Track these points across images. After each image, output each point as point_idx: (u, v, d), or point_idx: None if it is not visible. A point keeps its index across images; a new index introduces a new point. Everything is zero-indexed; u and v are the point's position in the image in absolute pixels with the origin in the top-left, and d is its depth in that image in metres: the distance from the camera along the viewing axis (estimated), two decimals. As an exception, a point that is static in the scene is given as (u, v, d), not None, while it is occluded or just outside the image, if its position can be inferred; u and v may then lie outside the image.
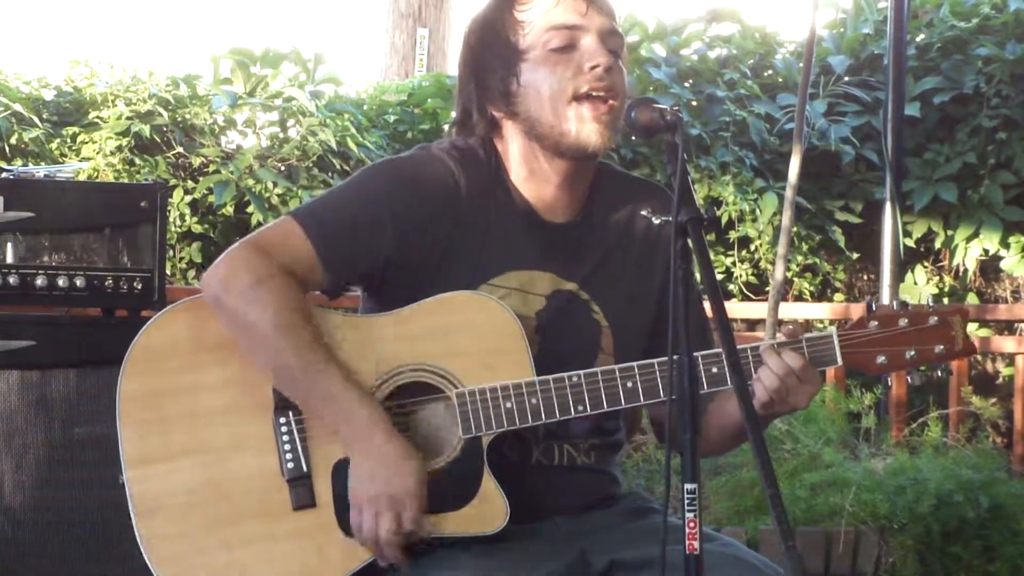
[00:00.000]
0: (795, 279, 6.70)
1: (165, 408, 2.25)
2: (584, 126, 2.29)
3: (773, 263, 5.85)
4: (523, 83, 2.32)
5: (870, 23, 7.04)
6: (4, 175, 3.39)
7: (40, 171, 3.63)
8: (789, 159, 5.52)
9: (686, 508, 1.93)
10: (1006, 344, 6.10)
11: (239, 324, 2.24)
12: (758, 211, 6.48)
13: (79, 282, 3.31)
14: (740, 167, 6.54)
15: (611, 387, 2.26)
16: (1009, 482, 4.74)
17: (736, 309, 6.17)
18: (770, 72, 7.16)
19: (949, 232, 6.64)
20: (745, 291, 6.59)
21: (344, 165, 6.41)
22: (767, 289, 6.07)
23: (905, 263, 6.52)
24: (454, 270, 2.31)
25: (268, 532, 2.22)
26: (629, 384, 2.26)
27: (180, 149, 6.27)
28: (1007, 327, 6.55)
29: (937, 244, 6.70)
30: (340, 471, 2.23)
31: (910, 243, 6.59)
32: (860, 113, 6.72)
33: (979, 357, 6.60)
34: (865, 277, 6.94)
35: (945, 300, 6.61)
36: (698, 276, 2.08)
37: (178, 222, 6.11)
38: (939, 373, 2.32)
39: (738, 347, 2.20)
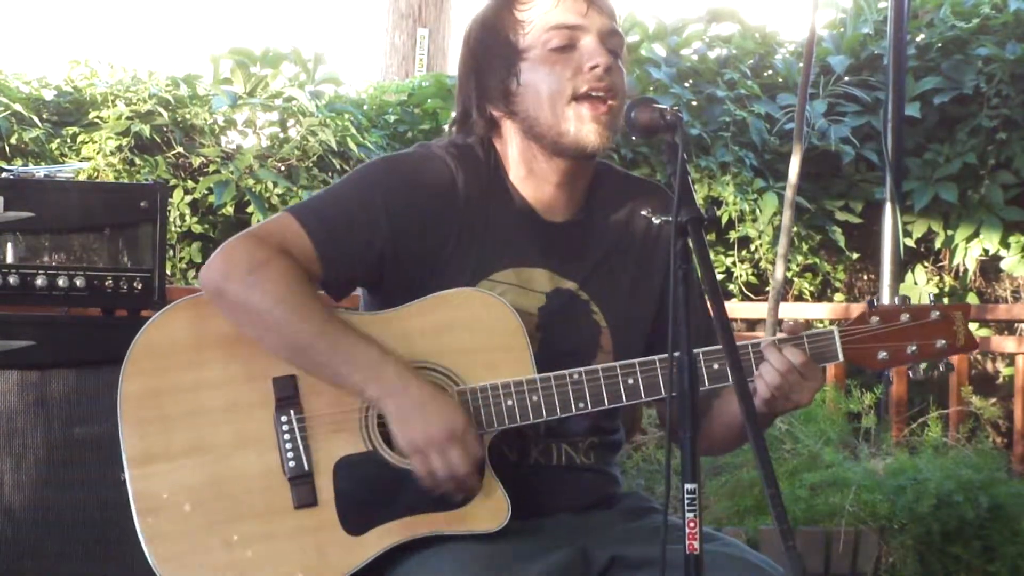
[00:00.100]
0: (795, 279, 6.71)
1: (166, 407, 2.25)
2: (583, 126, 2.29)
3: (773, 263, 5.85)
4: (523, 83, 2.32)
5: (870, 23, 7.04)
6: (4, 175, 3.39)
7: (40, 171, 3.63)
8: (789, 159, 5.52)
9: (686, 508, 1.93)
10: (1006, 344, 6.11)
11: (245, 310, 2.24)
12: (758, 211, 6.48)
13: (79, 282, 3.31)
14: (740, 167, 6.54)
15: (612, 384, 2.26)
16: (1009, 482, 4.74)
17: (736, 309, 6.18)
18: (770, 72, 7.16)
19: (949, 232, 6.64)
20: (745, 291, 6.60)
21: (344, 165, 6.41)
22: (767, 289, 6.07)
23: (905, 263, 6.52)
24: (452, 267, 2.30)
25: (269, 531, 2.22)
26: (630, 381, 2.26)
27: (180, 149, 6.27)
28: (1007, 327, 6.55)
29: (937, 244, 6.70)
30: (342, 469, 2.23)
31: (910, 243, 6.60)
32: (860, 113, 6.72)
33: (979, 357, 6.61)
34: (865, 277, 6.95)
35: (945, 300, 6.58)
36: (699, 276, 2.08)
37: (178, 222, 6.11)
38: (941, 368, 2.32)
39: (739, 343, 2.21)
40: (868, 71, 6.93)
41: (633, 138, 5.79)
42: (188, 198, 6.17)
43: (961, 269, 6.77)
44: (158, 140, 6.22)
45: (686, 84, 6.91)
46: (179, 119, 6.32)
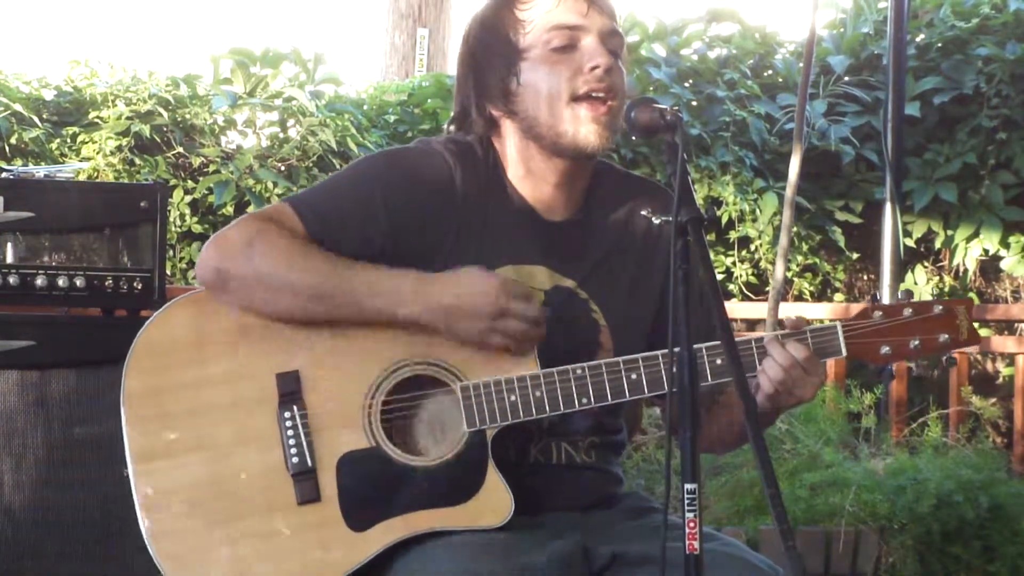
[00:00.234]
0: (795, 279, 6.71)
1: (168, 404, 2.26)
2: (582, 127, 2.29)
3: (773, 263, 5.85)
4: (522, 82, 2.32)
5: (870, 23, 7.04)
6: (4, 175, 3.39)
7: (40, 171, 3.63)
8: (789, 159, 5.52)
9: (686, 508, 1.93)
10: (1006, 344, 6.10)
11: (252, 281, 2.24)
12: (758, 211, 6.48)
13: (79, 282, 3.31)
14: (740, 167, 6.54)
15: (615, 379, 2.26)
16: (1009, 482, 4.74)
17: (736, 309, 6.18)
18: (770, 72, 7.16)
19: (949, 232, 6.64)
20: (745, 291, 6.60)
21: (344, 165, 6.39)
22: (767, 289, 6.07)
23: (905, 263, 6.52)
24: (451, 264, 2.30)
25: (272, 527, 2.22)
26: (633, 376, 2.26)
27: (180, 149, 6.27)
28: (1007, 327, 6.55)
29: (937, 244, 6.70)
30: (345, 465, 2.24)
31: (910, 243, 6.59)
32: (860, 113, 6.71)
33: (979, 357, 6.61)
34: (865, 277, 6.94)
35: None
36: (700, 276, 2.08)
37: (178, 222, 6.11)
38: (944, 363, 2.32)
39: (742, 339, 2.21)
40: (868, 71, 6.93)
41: (633, 138, 5.79)
42: (188, 198, 6.16)
43: (961, 269, 6.77)
44: (158, 140, 6.22)
45: (686, 84, 6.91)
46: (179, 119, 6.32)
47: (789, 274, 6.55)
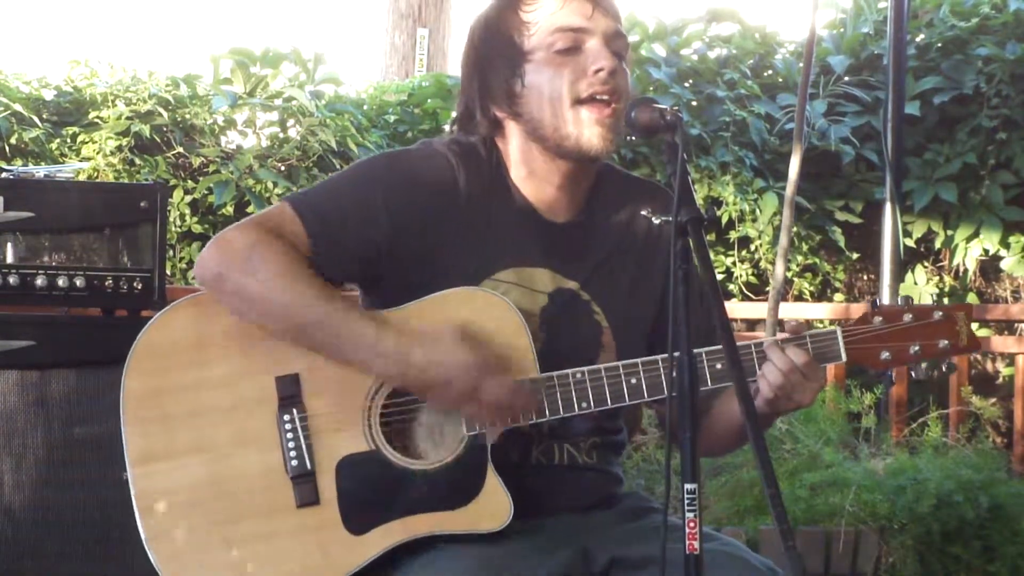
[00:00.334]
0: (795, 279, 6.70)
1: (168, 406, 2.26)
2: (586, 129, 2.29)
3: (773, 263, 5.85)
4: (527, 84, 2.32)
5: (870, 23, 7.04)
6: (4, 175, 3.39)
7: (40, 171, 3.63)
8: (789, 159, 5.51)
9: (686, 508, 1.93)
10: (1006, 344, 6.10)
11: (245, 296, 2.23)
12: (758, 211, 6.48)
13: (79, 282, 3.31)
14: (740, 167, 6.54)
15: (615, 384, 2.26)
16: (1009, 482, 4.74)
17: (736, 309, 6.17)
18: (770, 72, 7.16)
19: (949, 232, 6.64)
20: (745, 291, 6.59)
21: (344, 165, 6.40)
22: (767, 289, 6.07)
23: (905, 263, 6.52)
24: (453, 266, 2.30)
25: (271, 529, 2.22)
26: (633, 380, 2.26)
27: (180, 149, 6.27)
28: (1007, 327, 6.55)
29: (937, 244, 6.70)
30: (344, 468, 2.24)
31: (910, 243, 6.59)
32: (860, 113, 6.71)
33: (979, 357, 6.61)
34: (865, 277, 6.94)
35: (945, 300, 6.62)
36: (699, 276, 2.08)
37: (178, 222, 6.11)
38: (943, 368, 2.32)
39: (742, 343, 2.21)
40: (868, 71, 6.93)
41: (633, 138, 5.79)
42: (188, 198, 6.16)
43: (961, 269, 6.77)
44: (158, 140, 6.22)
45: (686, 84, 6.91)
46: (179, 119, 6.32)
47: (789, 274, 6.55)
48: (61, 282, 3.30)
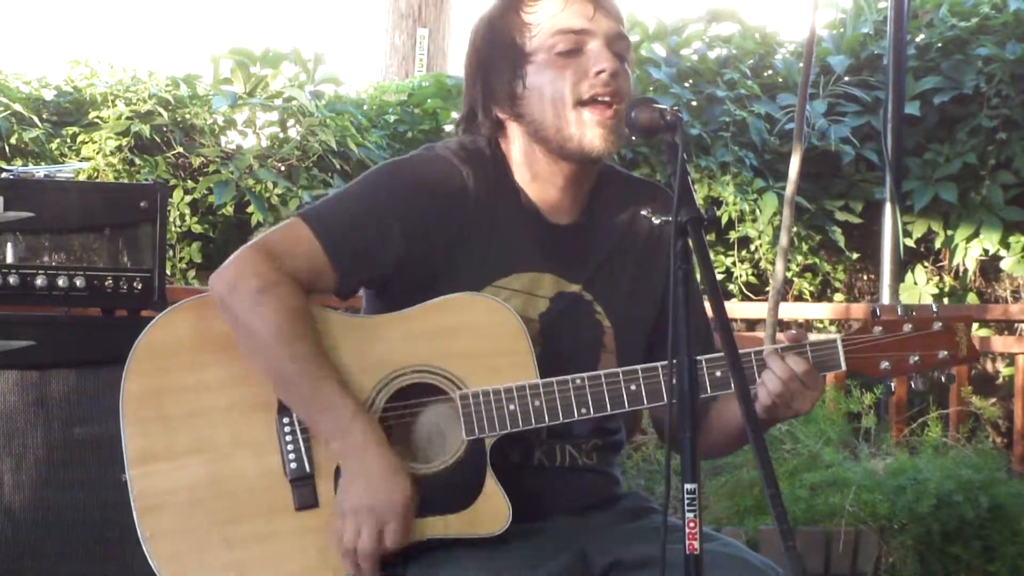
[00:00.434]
0: (795, 279, 6.71)
1: (168, 407, 2.26)
2: (588, 131, 2.29)
3: (773, 263, 5.85)
4: (528, 86, 2.32)
5: (870, 23, 7.04)
6: (4, 175, 3.39)
7: (40, 171, 3.63)
8: (789, 159, 5.51)
9: (686, 508, 1.92)
10: (1006, 344, 6.10)
11: (242, 328, 2.24)
12: (758, 211, 6.48)
13: (79, 282, 3.31)
14: (740, 167, 6.54)
15: (614, 390, 2.26)
16: (1009, 482, 4.74)
17: (736, 309, 6.17)
18: (770, 72, 7.16)
19: (949, 232, 6.64)
20: (745, 291, 6.60)
21: (344, 165, 6.41)
22: (767, 289, 6.07)
23: (905, 263, 6.52)
24: (460, 271, 2.30)
25: (270, 532, 2.22)
26: (632, 387, 2.26)
27: (180, 149, 6.27)
28: (1007, 327, 6.55)
29: (937, 244, 6.70)
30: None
31: (910, 243, 6.59)
32: (860, 113, 6.71)
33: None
34: (865, 277, 6.94)
35: (945, 300, 6.62)
36: (699, 276, 2.08)
37: (178, 222, 6.11)
38: (942, 379, 2.32)
39: (742, 351, 2.21)
40: (868, 71, 6.93)
41: (633, 138, 5.79)
42: (188, 198, 6.17)
43: (961, 269, 6.77)
44: (158, 140, 6.22)
45: (686, 84, 6.91)
46: (179, 119, 6.32)
47: (789, 274, 6.55)
48: (61, 282, 3.30)
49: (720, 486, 4.66)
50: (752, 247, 6.57)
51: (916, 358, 2.30)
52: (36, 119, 6.12)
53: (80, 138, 6.13)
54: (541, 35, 2.31)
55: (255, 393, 2.26)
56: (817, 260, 6.73)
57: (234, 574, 2.21)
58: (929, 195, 6.50)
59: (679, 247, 2.01)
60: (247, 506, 2.23)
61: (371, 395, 2.25)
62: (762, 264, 6.59)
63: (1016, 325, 6.53)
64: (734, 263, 6.58)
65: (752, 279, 6.60)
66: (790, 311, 6.17)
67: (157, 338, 2.28)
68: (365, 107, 6.99)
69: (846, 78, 6.85)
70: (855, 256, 6.78)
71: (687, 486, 1.93)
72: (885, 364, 2.30)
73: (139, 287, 3.34)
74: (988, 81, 6.60)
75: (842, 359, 2.29)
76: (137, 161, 6.12)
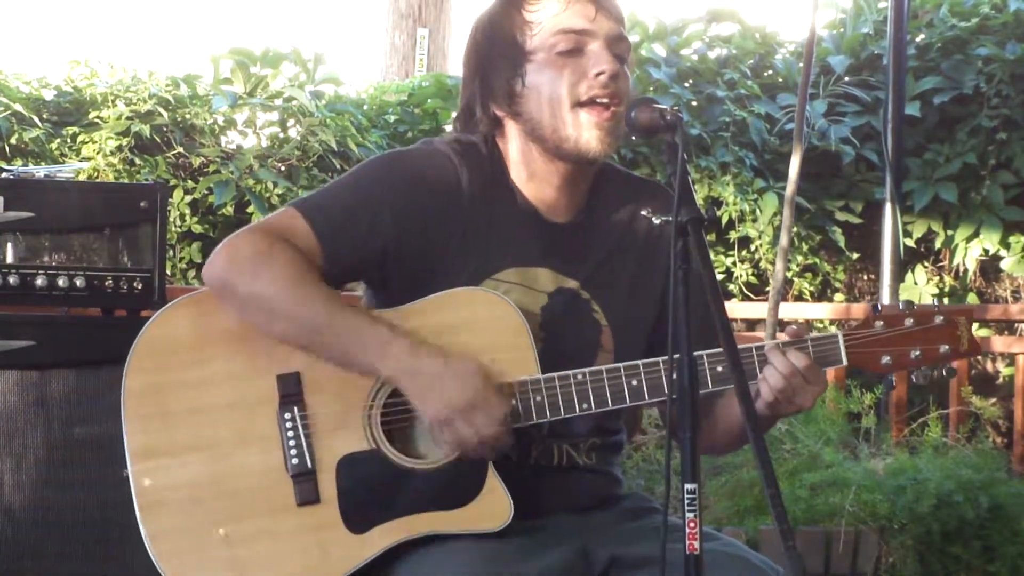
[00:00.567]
0: (795, 279, 6.71)
1: (169, 403, 2.26)
2: (585, 132, 2.29)
3: (773, 263, 5.85)
4: (527, 84, 2.32)
5: (870, 23, 7.04)
6: (4, 175, 3.38)
7: (40, 171, 3.62)
8: (789, 159, 5.52)
9: (686, 508, 1.93)
10: (1007, 344, 6.11)
11: (252, 300, 2.24)
12: (758, 211, 6.48)
13: (79, 282, 3.31)
14: (740, 167, 6.54)
15: (616, 385, 2.26)
16: (1009, 482, 4.74)
17: (736, 309, 6.18)
18: (770, 72, 7.16)
19: (949, 232, 6.64)
20: (745, 291, 6.60)
21: (344, 165, 6.41)
22: (767, 289, 6.07)
23: (905, 263, 6.52)
24: (455, 265, 2.31)
25: (271, 527, 2.22)
26: (634, 382, 2.26)
27: (180, 149, 6.27)
28: (1007, 327, 6.55)
29: (937, 244, 6.70)
30: (344, 467, 2.24)
31: (910, 243, 6.59)
32: (860, 113, 6.72)
33: (979, 357, 6.61)
34: (865, 277, 6.95)
35: (945, 300, 6.62)
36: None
37: (178, 222, 6.11)
38: (943, 373, 2.32)
39: (743, 347, 2.21)
40: (868, 71, 6.93)
41: (633, 138, 5.79)
42: (188, 198, 6.16)
43: (961, 269, 6.77)
44: (158, 140, 6.22)
45: (686, 84, 6.91)
46: (179, 119, 6.32)
47: (789, 274, 6.55)
48: (61, 282, 3.29)
49: (720, 486, 4.66)
50: (752, 247, 6.57)
51: (917, 352, 2.30)
52: (36, 119, 6.12)
53: (80, 138, 6.12)
54: (542, 34, 2.32)
55: (256, 388, 2.26)
56: (817, 260, 6.73)
57: (235, 571, 2.21)
58: (929, 195, 6.50)
59: (679, 247, 2.01)
60: (248, 503, 2.23)
61: (372, 391, 2.25)
62: (762, 264, 6.59)
63: (1016, 325, 6.53)
64: (734, 263, 6.58)
65: (752, 279, 6.61)
66: (790, 311, 6.17)
67: (157, 334, 2.28)
68: (365, 107, 6.99)
69: (846, 78, 6.86)
70: (855, 256, 6.78)
71: (687, 486, 1.93)
72: (886, 359, 2.30)
73: (139, 287, 3.34)
74: (988, 81, 6.61)
75: (843, 354, 2.29)
76: (137, 161, 6.12)
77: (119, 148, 6.08)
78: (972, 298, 6.71)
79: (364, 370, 2.23)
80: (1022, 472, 5.43)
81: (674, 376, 1.98)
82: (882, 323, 2.30)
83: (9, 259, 3.29)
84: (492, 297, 2.27)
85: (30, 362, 3.24)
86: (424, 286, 2.28)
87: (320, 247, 2.28)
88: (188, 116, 6.33)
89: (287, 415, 2.25)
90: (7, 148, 5.98)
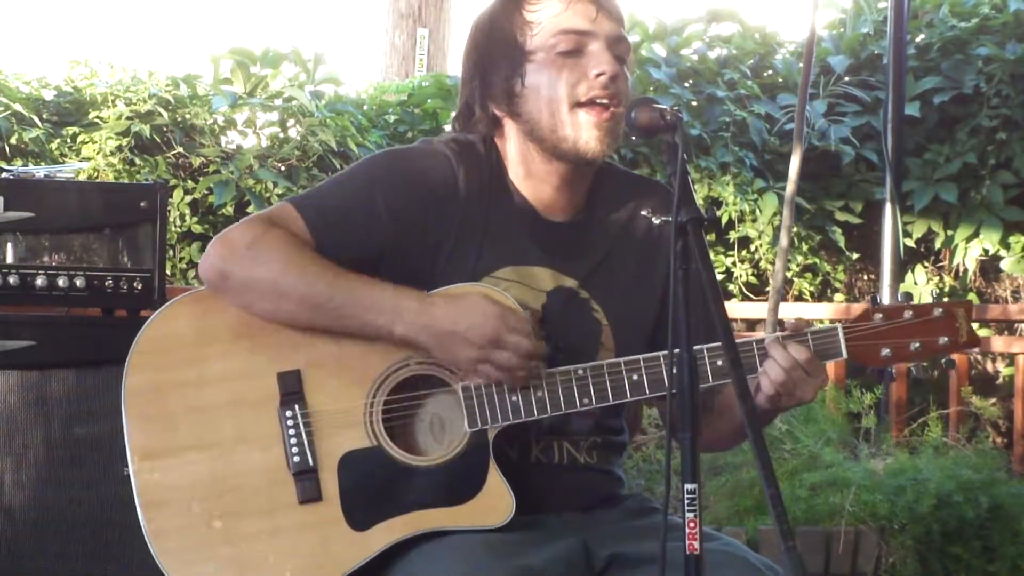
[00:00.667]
0: (795, 279, 6.71)
1: (170, 402, 2.26)
2: (583, 132, 2.29)
3: (773, 263, 5.85)
4: (527, 84, 2.32)
5: (870, 23, 7.04)
6: (4, 175, 3.39)
7: (40, 171, 3.63)
8: (789, 159, 5.52)
9: (686, 508, 1.93)
10: (1007, 344, 6.11)
11: (253, 285, 2.24)
12: (758, 211, 6.48)
13: (79, 282, 3.31)
14: (740, 167, 6.54)
15: (616, 380, 2.26)
16: (1009, 482, 4.74)
17: (736, 309, 6.18)
18: (770, 72, 7.16)
19: (949, 232, 6.64)
20: (745, 291, 6.60)
21: (344, 165, 6.40)
22: (767, 289, 6.07)
23: (905, 263, 6.52)
24: (452, 264, 2.31)
25: (273, 525, 2.23)
26: (635, 377, 2.26)
27: (180, 149, 6.27)
28: (1007, 327, 6.55)
29: (937, 244, 6.70)
30: (346, 464, 2.24)
31: (910, 243, 6.59)
32: (860, 113, 6.71)
33: (979, 357, 6.61)
34: (865, 277, 6.94)
35: (945, 300, 6.61)
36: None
37: (178, 222, 6.11)
38: (943, 364, 2.33)
39: (743, 340, 2.21)
40: (868, 71, 6.93)
41: (633, 138, 5.79)
42: (188, 198, 6.16)
43: (961, 269, 6.77)
44: (158, 140, 6.22)
45: (686, 84, 6.91)
46: (179, 119, 6.32)
47: (789, 274, 6.55)
48: (61, 282, 3.30)
49: (720, 486, 4.66)
50: (752, 247, 6.57)
51: (917, 344, 2.30)
52: (36, 119, 6.12)
53: (80, 138, 6.12)
54: (542, 34, 2.32)
55: (257, 387, 2.26)
56: (817, 260, 6.73)
57: (236, 569, 2.21)
58: (929, 195, 6.50)
59: (679, 247, 2.01)
60: (250, 501, 2.23)
61: (373, 387, 2.26)
62: (762, 264, 6.59)
63: (1016, 325, 6.53)
64: (734, 263, 6.58)
65: (752, 279, 6.60)
66: (790, 311, 6.17)
67: (157, 333, 2.28)
68: (365, 107, 6.99)
69: (846, 78, 6.85)
70: (855, 256, 6.78)
71: (687, 486, 1.93)
72: (886, 351, 2.30)
73: (139, 287, 3.34)
74: (988, 81, 6.61)
75: (843, 347, 2.29)
76: (137, 161, 6.12)
77: (119, 148, 6.08)
78: (972, 298, 6.71)
79: (377, 334, 2.23)
80: (1022, 472, 5.43)
81: (674, 371, 1.98)
82: (881, 316, 2.30)
83: (9, 259, 3.30)
84: (493, 293, 2.27)
85: (30, 362, 3.24)
86: (421, 285, 2.28)
87: (313, 242, 2.28)
88: (188, 116, 6.33)
89: (288, 413, 2.25)
90: (7, 148, 5.98)
